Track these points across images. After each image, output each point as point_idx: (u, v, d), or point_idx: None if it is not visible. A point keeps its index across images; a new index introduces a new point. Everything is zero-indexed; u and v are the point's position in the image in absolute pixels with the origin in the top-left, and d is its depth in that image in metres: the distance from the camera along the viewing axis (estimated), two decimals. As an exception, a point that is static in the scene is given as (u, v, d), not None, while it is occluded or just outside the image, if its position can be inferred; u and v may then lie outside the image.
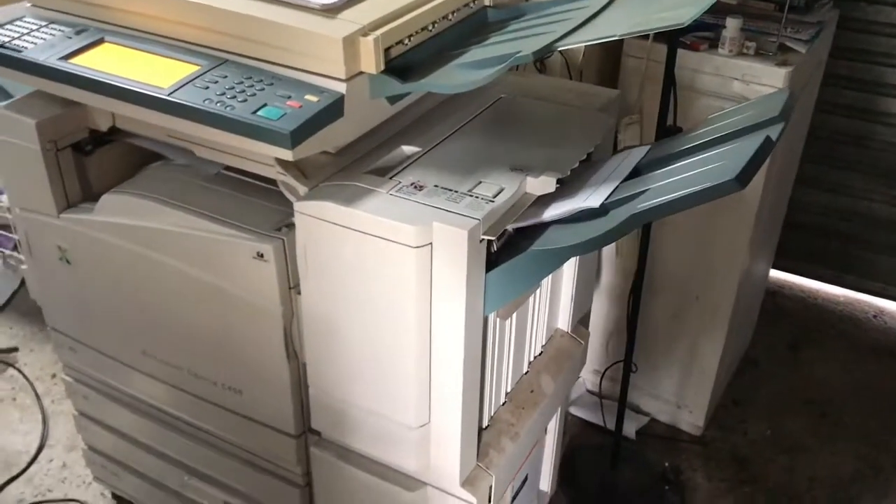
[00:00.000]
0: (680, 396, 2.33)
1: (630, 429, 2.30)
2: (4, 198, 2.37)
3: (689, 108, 1.86)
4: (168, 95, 1.27)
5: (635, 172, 1.31)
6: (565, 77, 1.92)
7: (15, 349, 2.61)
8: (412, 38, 1.35)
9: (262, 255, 1.34)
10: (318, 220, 1.24)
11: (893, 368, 2.64)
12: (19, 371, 2.52)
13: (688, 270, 2.12)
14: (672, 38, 1.64)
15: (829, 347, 2.71)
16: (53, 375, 2.51)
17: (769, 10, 1.89)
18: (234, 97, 1.25)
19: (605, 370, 2.24)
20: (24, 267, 2.52)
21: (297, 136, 1.20)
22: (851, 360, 2.66)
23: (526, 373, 1.63)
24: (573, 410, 2.37)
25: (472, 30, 1.48)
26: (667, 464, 2.24)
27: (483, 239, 1.19)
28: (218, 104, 1.24)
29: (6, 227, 2.46)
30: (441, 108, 1.52)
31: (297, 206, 1.26)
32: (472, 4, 1.50)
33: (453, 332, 1.24)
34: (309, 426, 1.52)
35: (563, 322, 1.74)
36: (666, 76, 1.63)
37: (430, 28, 1.40)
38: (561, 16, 1.41)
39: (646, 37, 1.88)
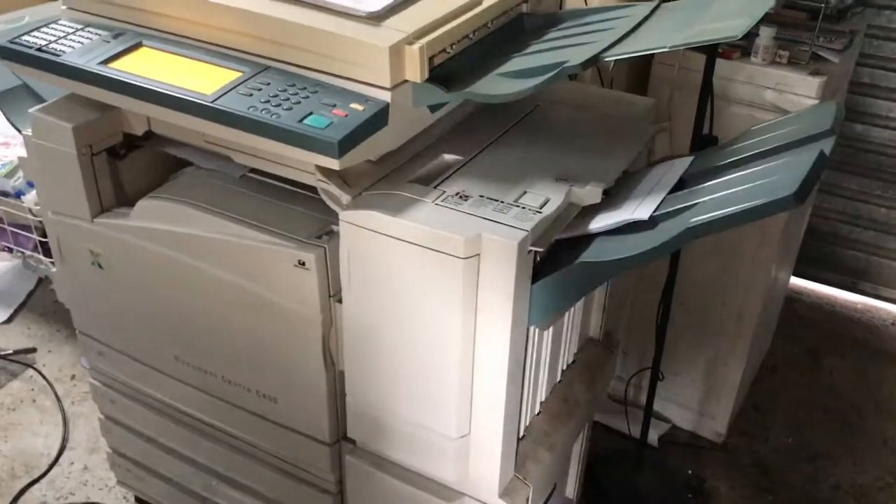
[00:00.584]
0: (702, 403, 2.33)
1: (652, 436, 2.29)
2: (26, 198, 2.37)
3: (720, 117, 1.85)
4: (212, 102, 1.26)
5: (680, 184, 1.30)
6: (596, 84, 1.91)
7: (33, 350, 2.60)
8: (454, 47, 1.34)
9: (303, 264, 1.33)
10: (364, 229, 1.24)
11: (912, 376, 2.64)
12: (39, 372, 2.50)
13: (713, 278, 2.11)
14: (710, 47, 1.63)
15: (848, 355, 2.71)
16: (73, 377, 2.50)
17: (802, 19, 1.88)
18: (279, 105, 1.24)
19: (631, 378, 2.23)
20: (43, 267, 2.51)
21: (344, 146, 1.19)
22: (871, 368, 2.66)
23: (559, 381, 1.62)
24: (595, 416, 2.36)
25: (509, 37, 1.47)
26: (690, 471, 2.23)
27: (531, 250, 1.19)
28: (263, 112, 1.23)
29: (26, 228, 2.45)
30: (477, 115, 1.51)
31: (343, 215, 1.25)
32: (510, 12, 1.50)
33: (498, 343, 1.24)
34: (343, 434, 1.52)
35: (595, 330, 1.74)
36: (703, 85, 1.62)
37: (471, 36, 1.39)
38: (602, 25, 1.41)
39: (678, 44, 1.87)
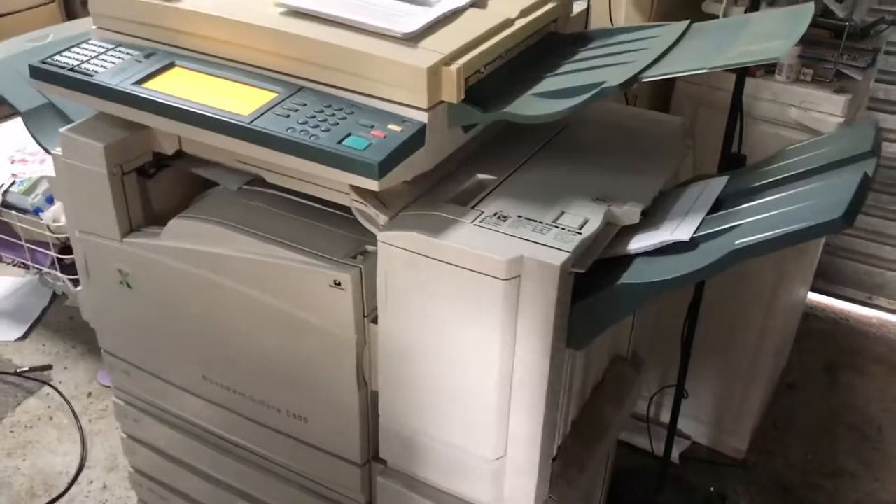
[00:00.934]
0: (721, 420, 2.32)
1: (673, 452, 2.28)
2: (44, 215, 2.37)
3: (745, 135, 1.85)
4: (249, 123, 1.26)
5: (717, 204, 1.30)
6: (620, 102, 1.91)
7: (49, 367, 2.59)
8: (487, 67, 1.35)
9: (339, 284, 1.33)
10: (403, 249, 1.23)
11: (930, 392, 2.63)
12: (55, 389, 2.49)
13: (735, 295, 2.11)
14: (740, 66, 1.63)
15: (866, 370, 2.71)
16: (89, 394, 2.49)
17: (825, 36, 1.89)
18: (317, 126, 1.24)
19: (654, 395, 2.22)
20: (60, 284, 2.51)
21: (384, 167, 1.19)
22: (889, 384, 2.66)
23: (589, 401, 1.61)
24: (614, 433, 2.35)
25: (540, 57, 1.47)
26: (712, 488, 2.23)
27: (572, 272, 1.18)
28: (301, 133, 1.23)
29: (44, 245, 2.45)
30: (505, 135, 1.51)
31: (381, 235, 1.25)
32: (540, 31, 1.50)
33: (537, 364, 1.23)
34: (374, 455, 1.51)
35: (622, 349, 1.73)
36: (733, 104, 1.63)
37: (504, 56, 1.40)
38: (635, 45, 1.41)
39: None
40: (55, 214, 2.37)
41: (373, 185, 1.20)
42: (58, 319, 2.79)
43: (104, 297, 1.66)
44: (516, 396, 1.28)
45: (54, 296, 2.85)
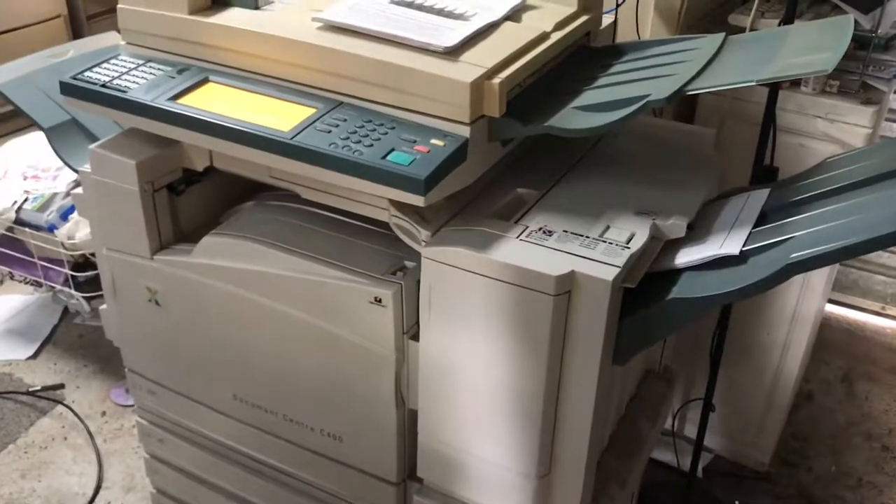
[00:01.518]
0: (744, 433, 2.31)
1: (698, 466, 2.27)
2: (59, 232, 2.35)
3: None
4: (290, 139, 1.24)
5: (760, 217, 1.29)
6: (647, 114, 1.90)
7: (61, 386, 2.55)
8: (526, 80, 1.34)
9: (379, 301, 1.31)
10: (448, 265, 1.22)
11: (948, 402, 2.63)
12: (69, 408, 2.46)
13: (759, 308, 2.10)
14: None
15: (882, 380, 2.70)
16: (103, 413, 2.46)
17: (850, 48, 1.88)
18: (359, 141, 1.23)
19: (679, 409, 2.21)
20: (74, 302, 2.48)
21: (429, 182, 1.17)
22: (906, 394, 2.66)
23: (624, 415, 1.60)
24: (636, 447, 2.34)
25: (575, 70, 1.46)
26: (737, 502, 2.21)
27: (622, 287, 1.17)
28: (344, 149, 1.22)
29: (58, 262, 2.43)
30: (541, 148, 1.50)
31: (426, 251, 1.23)
32: (574, 44, 1.50)
33: (586, 380, 1.22)
34: (410, 473, 1.49)
35: (654, 363, 1.72)
36: (766, 116, 1.62)
37: (542, 69, 1.39)
38: (673, 57, 1.40)
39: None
40: (70, 231, 2.35)
41: (418, 200, 1.19)
42: (68, 338, 2.76)
43: (131, 315, 1.64)
44: (563, 413, 1.26)
45: (65, 313, 2.81)
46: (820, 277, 2.00)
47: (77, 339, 2.75)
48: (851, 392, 2.66)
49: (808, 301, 2.04)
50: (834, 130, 1.82)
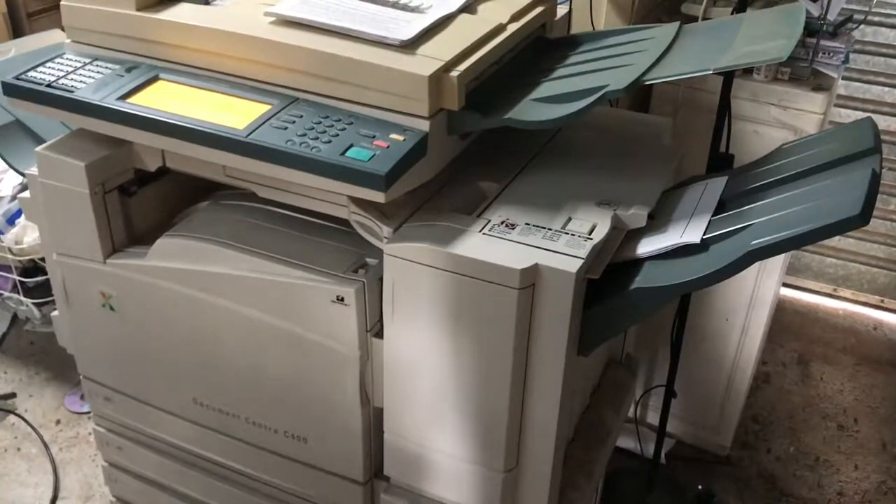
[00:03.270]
0: (706, 418, 2.34)
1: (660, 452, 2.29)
2: (5, 238, 2.28)
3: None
4: (245, 137, 1.22)
5: (719, 205, 1.30)
6: (603, 104, 1.91)
7: (13, 395, 2.48)
8: (484, 73, 1.33)
9: (342, 299, 1.29)
10: (411, 262, 1.20)
11: (899, 380, 2.70)
12: (21, 418, 2.39)
13: (717, 295, 2.13)
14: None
15: (837, 361, 2.76)
16: (58, 421, 2.40)
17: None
18: (317, 138, 1.21)
19: (641, 396, 2.23)
20: (24, 308, 2.41)
21: (390, 178, 1.16)
22: (859, 374, 2.71)
23: (589, 406, 1.60)
24: (599, 436, 2.35)
25: (531, 62, 1.46)
26: (699, 486, 2.24)
27: (586, 278, 1.17)
28: (302, 146, 1.19)
29: (5, 268, 2.36)
30: (501, 141, 1.49)
31: (388, 248, 1.22)
32: (530, 36, 1.49)
33: (552, 373, 1.21)
34: (377, 472, 1.47)
35: (616, 352, 1.73)
36: (721, 104, 1.64)
37: (499, 61, 1.38)
38: (630, 47, 1.41)
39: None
40: (17, 236, 2.29)
41: (379, 196, 1.17)
42: (19, 345, 2.68)
43: (84, 321, 1.59)
44: (529, 406, 1.26)
45: (14, 320, 2.73)
46: (776, 262, 2.03)
47: (28, 346, 2.67)
48: (807, 373, 2.71)
49: (766, 286, 2.07)
50: (786, 117, 1.84)
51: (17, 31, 3.57)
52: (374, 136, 1.21)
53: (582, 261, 1.15)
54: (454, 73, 1.23)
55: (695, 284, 1.12)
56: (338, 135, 1.21)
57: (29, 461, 2.27)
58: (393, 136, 1.21)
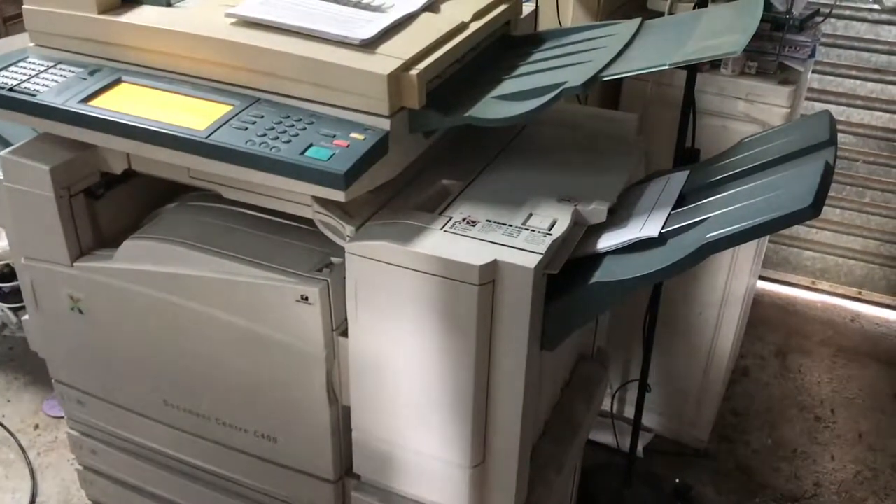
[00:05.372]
0: (683, 412, 2.35)
1: (637, 446, 2.30)
2: (-19, 243, 2.26)
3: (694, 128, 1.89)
4: (206, 138, 1.22)
5: (679, 199, 1.31)
6: (572, 101, 1.92)
7: (-9, 400, 2.48)
8: (445, 71, 1.34)
9: (306, 299, 1.30)
10: (373, 260, 1.21)
11: (876, 371, 2.71)
12: (-1, 424, 2.39)
13: (690, 289, 2.14)
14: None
15: (814, 354, 2.78)
16: (36, 426, 2.39)
17: (765, 30, 1.92)
18: (277, 138, 1.21)
19: (617, 390, 2.24)
20: (1, 314, 2.40)
21: (350, 177, 1.17)
22: (837, 365, 2.73)
23: (559, 401, 1.61)
24: (578, 431, 2.36)
25: (494, 59, 1.47)
26: (677, 480, 2.25)
27: (545, 273, 1.18)
28: (262, 146, 1.20)
29: (-18, 274, 2.34)
30: (466, 138, 1.50)
31: (349, 246, 1.23)
32: (493, 34, 1.50)
33: (514, 367, 1.22)
34: (347, 470, 1.48)
35: (587, 346, 1.74)
36: (685, 99, 1.65)
37: (462, 59, 1.38)
38: (591, 44, 1.41)
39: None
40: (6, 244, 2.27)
41: (339, 195, 1.18)
42: (-3, 350, 2.68)
43: (54, 325, 1.60)
44: (493, 401, 1.27)
45: (-8, 326, 2.72)
46: (746, 256, 2.04)
47: (6, 352, 2.67)
48: (785, 366, 2.73)
49: (738, 280, 2.08)
50: (754, 111, 1.86)
51: (-8, 36, 3.57)
52: (334, 136, 1.21)
53: (540, 256, 1.15)
54: (414, 72, 1.23)
55: (652, 277, 1.13)
56: (298, 134, 1.22)
57: (6, 466, 2.27)
58: (353, 135, 1.22)
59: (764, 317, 2.91)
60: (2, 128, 1.79)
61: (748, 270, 2.06)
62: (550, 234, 1.21)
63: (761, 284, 3.02)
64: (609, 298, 1.20)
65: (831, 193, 2.82)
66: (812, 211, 1.03)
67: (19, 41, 2.01)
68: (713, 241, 1.08)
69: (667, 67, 1.20)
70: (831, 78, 2.69)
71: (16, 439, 2.34)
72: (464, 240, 1.20)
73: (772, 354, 2.77)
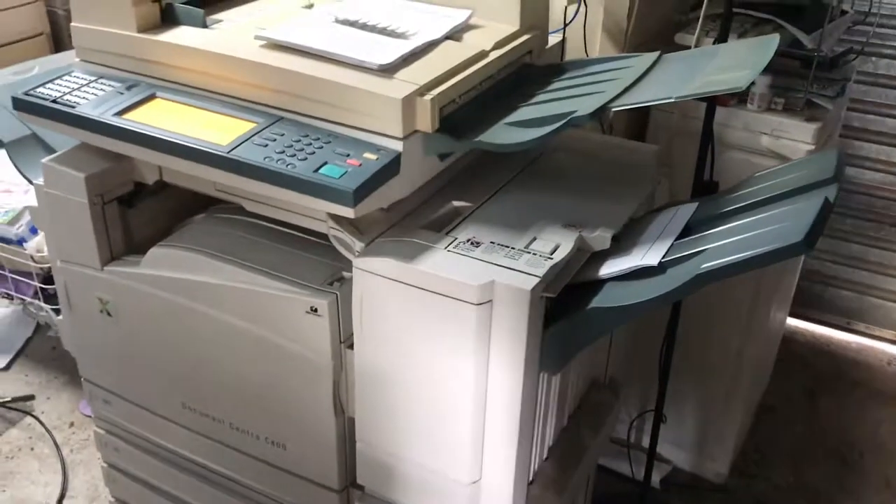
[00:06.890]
0: (702, 444, 2.33)
1: (654, 477, 2.28)
2: (28, 246, 2.38)
3: (718, 162, 1.88)
4: (227, 153, 1.28)
5: (686, 229, 1.33)
6: (596, 131, 1.95)
7: (31, 397, 2.58)
8: (462, 97, 1.38)
9: (315, 310, 1.35)
10: (377, 276, 1.25)
11: (910, 416, 2.65)
12: (37, 419, 2.49)
13: (711, 320, 2.13)
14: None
15: (846, 395, 2.73)
16: (71, 424, 2.49)
17: (795, 66, 1.93)
18: (294, 155, 1.27)
19: (634, 420, 2.24)
20: (44, 314, 2.51)
21: (359, 194, 1.21)
22: (868, 408, 2.68)
23: (566, 426, 1.63)
24: (596, 459, 2.36)
25: (515, 87, 1.50)
26: (692, 513, 2.24)
27: (543, 296, 1.21)
28: (279, 162, 1.26)
29: (27, 275, 2.45)
30: (483, 163, 1.54)
31: (356, 262, 1.27)
32: (515, 63, 1.54)
33: (510, 388, 1.25)
34: (352, 481, 1.52)
35: (600, 374, 1.75)
36: (704, 132, 1.66)
37: (479, 86, 1.43)
38: (606, 75, 1.44)
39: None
40: (39, 245, 2.38)
41: (348, 212, 1.23)
42: (41, 350, 2.79)
43: (85, 325, 1.67)
44: (490, 420, 1.29)
45: (38, 326, 2.84)
46: (771, 288, 2.03)
47: (50, 352, 2.78)
48: (814, 406, 2.68)
49: (760, 312, 2.07)
50: (778, 147, 1.86)
51: (59, 51, 3.74)
52: (348, 155, 1.26)
53: (538, 279, 1.18)
54: (427, 97, 1.28)
55: (648, 305, 1.15)
56: (314, 153, 1.27)
57: (41, 461, 2.36)
58: (367, 154, 1.27)
59: (795, 354, 2.87)
60: (48, 136, 1.90)
61: (772, 302, 2.05)
62: (551, 259, 1.24)
63: (794, 322, 2.98)
64: (607, 323, 1.22)
65: (869, 233, 2.80)
66: (804, 246, 1.04)
67: (70, 57, 2.13)
68: (705, 273, 1.10)
69: (673, 100, 1.22)
70: (872, 117, 2.67)
71: (51, 435, 2.43)
72: (466, 260, 1.23)
73: (801, 393, 2.73)
